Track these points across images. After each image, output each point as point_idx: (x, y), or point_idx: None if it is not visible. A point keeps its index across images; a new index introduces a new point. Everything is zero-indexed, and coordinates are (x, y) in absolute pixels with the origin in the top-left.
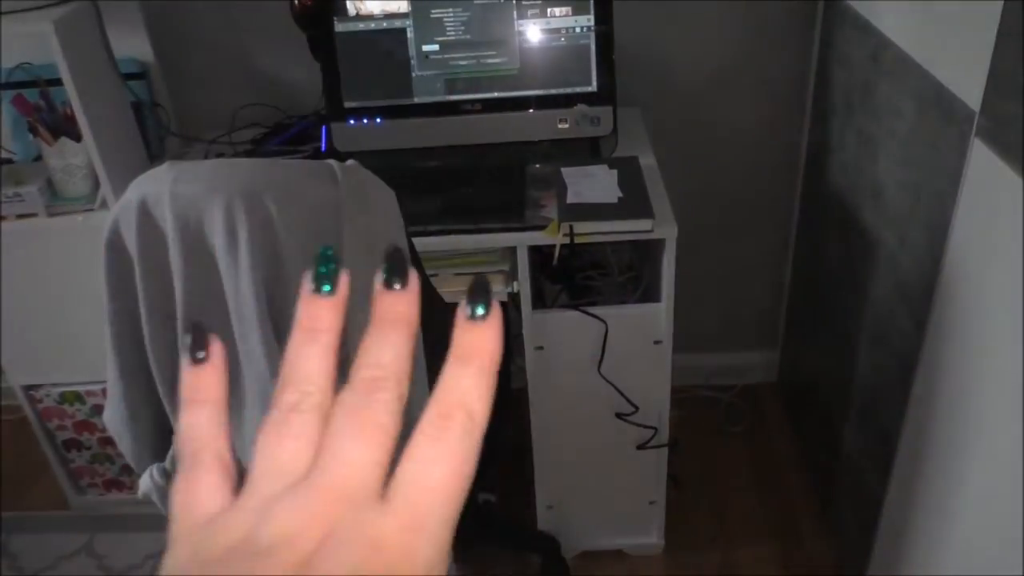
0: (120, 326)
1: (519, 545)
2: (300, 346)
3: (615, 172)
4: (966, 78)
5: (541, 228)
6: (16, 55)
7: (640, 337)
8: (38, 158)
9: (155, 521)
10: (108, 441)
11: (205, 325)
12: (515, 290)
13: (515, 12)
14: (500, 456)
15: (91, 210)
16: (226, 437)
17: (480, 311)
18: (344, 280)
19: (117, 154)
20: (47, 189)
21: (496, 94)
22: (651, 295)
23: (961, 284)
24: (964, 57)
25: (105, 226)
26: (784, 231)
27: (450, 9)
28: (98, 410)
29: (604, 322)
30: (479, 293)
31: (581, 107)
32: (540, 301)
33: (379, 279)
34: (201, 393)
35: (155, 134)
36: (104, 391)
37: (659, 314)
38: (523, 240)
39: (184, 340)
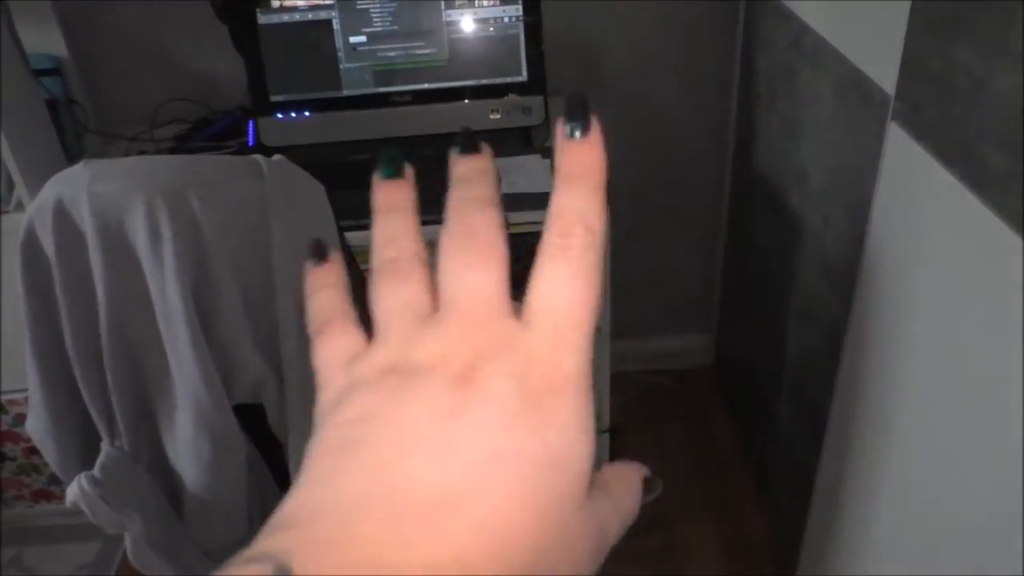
0: (39, 331)
1: None
2: (383, 220)
3: (548, 162)
4: (881, 63)
5: None
6: None
7: None
8: None
9: (86, 531)
10: (34, 451)
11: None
12: None
13: (443, 2)
14: None
15: (6, 212)
16: (352, 307)
17: (579, 130)
18: (409, 168)
19: (32, 153)
20: None
21: (426, 85)
22: None
23: (883, 261)
24: (878, 42)
25: (21, 228)
26: (716, 215)
27: None
28: (22, 420)
29: None
30: (576, 109)
31: (512, 97)
32: None
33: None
34: (320, 282)
35: (72, 132)
36: (28, 399)
37: None
38: None
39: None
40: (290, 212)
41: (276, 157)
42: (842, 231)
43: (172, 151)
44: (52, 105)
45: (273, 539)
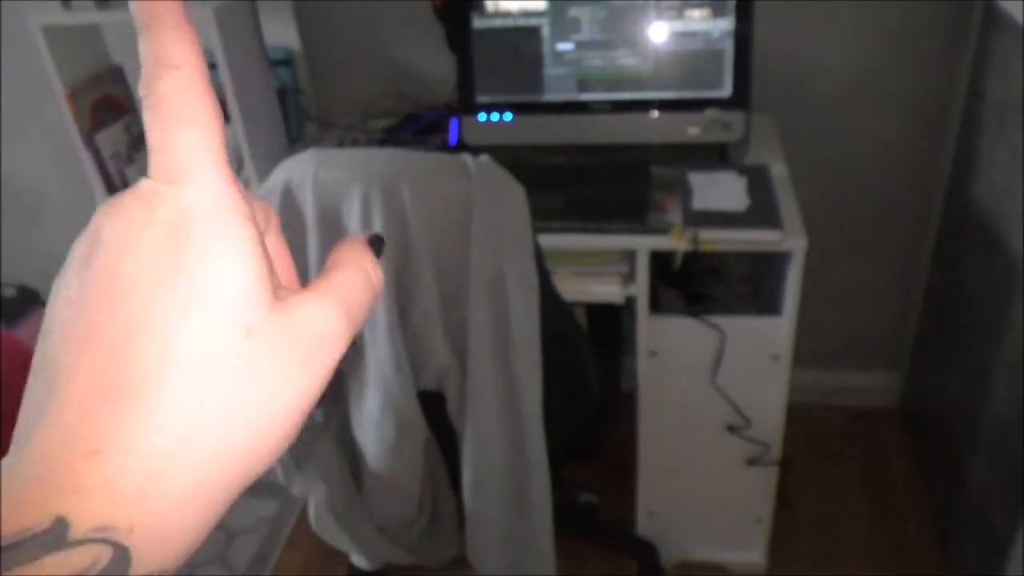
0: None
1: (617, 547)
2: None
3: (744, 179)
4: None
5: (664, 232)
6: None
7: (758, 350)
8: None
9: (270, 488)
10: None
11: None
12: (632, 293)
13: (653, 13)
14: (604, 458)
15: None
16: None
17: None
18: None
19: (261, 137)
20: None
21: (627, 95)
22: (771, 307)
23: None
24: None
25: None
26: (917, 249)
27: (588, 8)
28: None
29: (722, 332)
30: None
31: (712, 112)
32: (655, 305)
33: None
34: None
35: (295, 119)
36: None
37: (780, 328)
38: (644, 244)
39: None
40: (491, 212)
41: (482, 157)
42: None
43: (381, 143)
44: (281, 93)
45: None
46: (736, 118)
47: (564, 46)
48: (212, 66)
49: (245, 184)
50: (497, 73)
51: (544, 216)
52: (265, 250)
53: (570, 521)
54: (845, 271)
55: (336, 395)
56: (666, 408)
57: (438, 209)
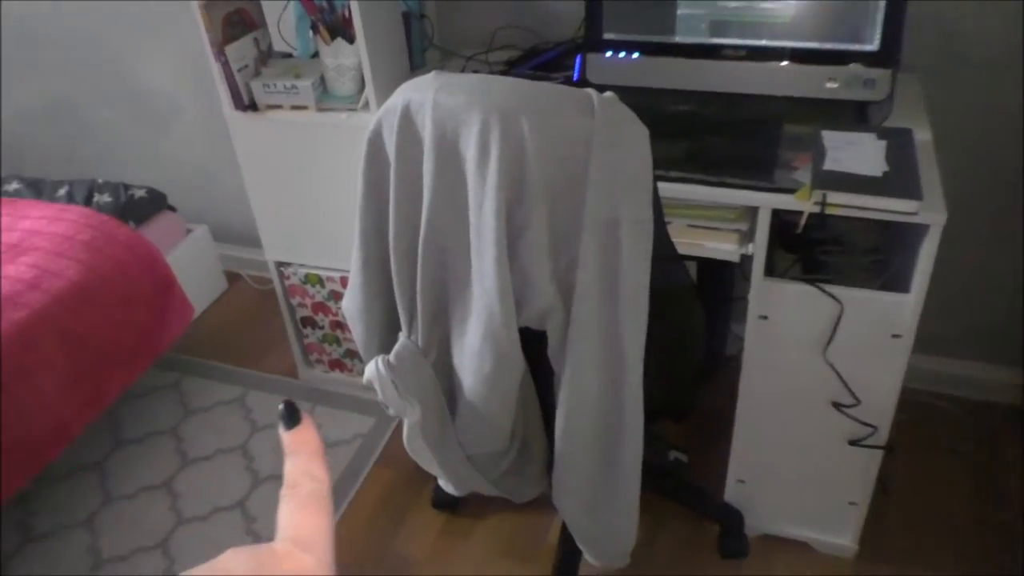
0: (368, 221)
1: (702, 509)
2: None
3: (883, 143)
4: None
5: (790, 192)
6: None
7: (878, 327)
8: (315, 55)
9: (367, 406)
10: (338, 325)
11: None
12: (749, 252)
13: None
14: (697, 418)
15: (354, 110)
16: None
17: (292, 425)
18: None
19: (383, 59)
20: (319, 85)
21: (763, 42)
22: (897, 284)
23: None
24: None
25: (369, 125)
26: None
27: None
28: (335, 295)
29: (840, 304)
30: (290, 418)
31: (856, 67)
32: (770, 268)
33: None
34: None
35: (418, 44)
36: (342, 279)
37: (904, 307)
38: (768, 202)
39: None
40: (612, 152)
41: (608, 94)
42: None
43: (503, 75)
44: (406, 18)
45: None
46: (881, 75)
47: None
48: None
49: (363, 105)
50: (627, 10)
51: (664, 164)
52: None
53: (657, 477)
54: (976, 253)
55: (438, 322)
56: (770, 375)
57: (557, 144)
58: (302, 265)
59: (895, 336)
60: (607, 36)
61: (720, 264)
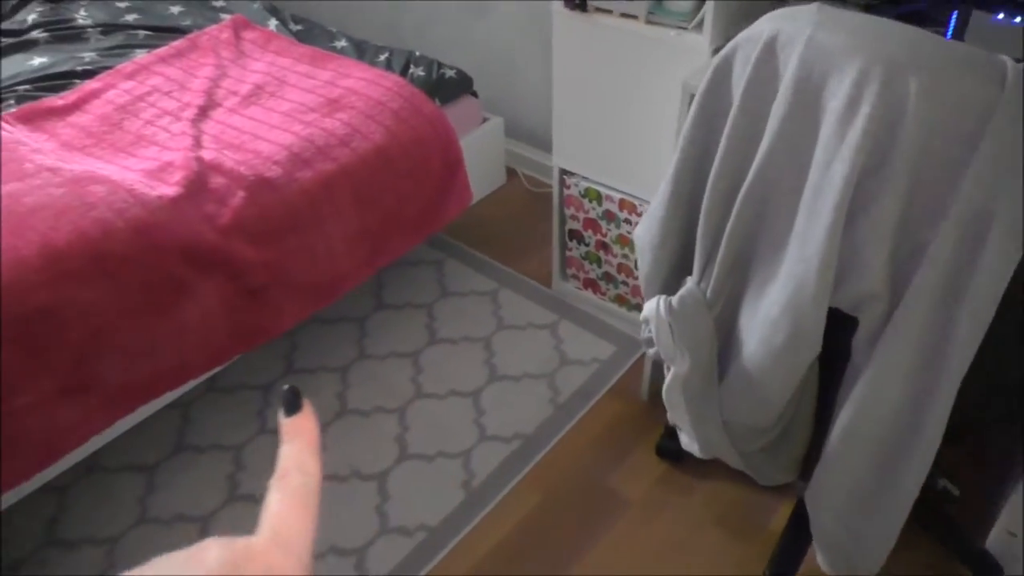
0: (689, 152)
1: (956, 550)
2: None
3: None
4: None
5: None
6: None
7: None
8: None
9: (611, 332)
10: (603, 246)
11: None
12: None
13: None
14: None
15: (684, 28)
16: None
17: (292, 412)
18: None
19: None
20: None
21: None
22: None
23: None
24: None
25: (722, 51)
26: None
27: None
28: (609, 215)
29: None
30: (291, 405)
31: None
32: None
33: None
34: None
35: None
36: (621, 201)
37: None
38: None
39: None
40: (1011, 134)
41: (1022, 66)
42: None
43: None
44: None
45: None
46: None
47: None
48: None
49: (696, 25)
50: None
51: None
52: None
53: (920, 504)
54: None
55: (734, 276)
56: None
57: (947, 113)
58: (585, 178)
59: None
60: None
61: None
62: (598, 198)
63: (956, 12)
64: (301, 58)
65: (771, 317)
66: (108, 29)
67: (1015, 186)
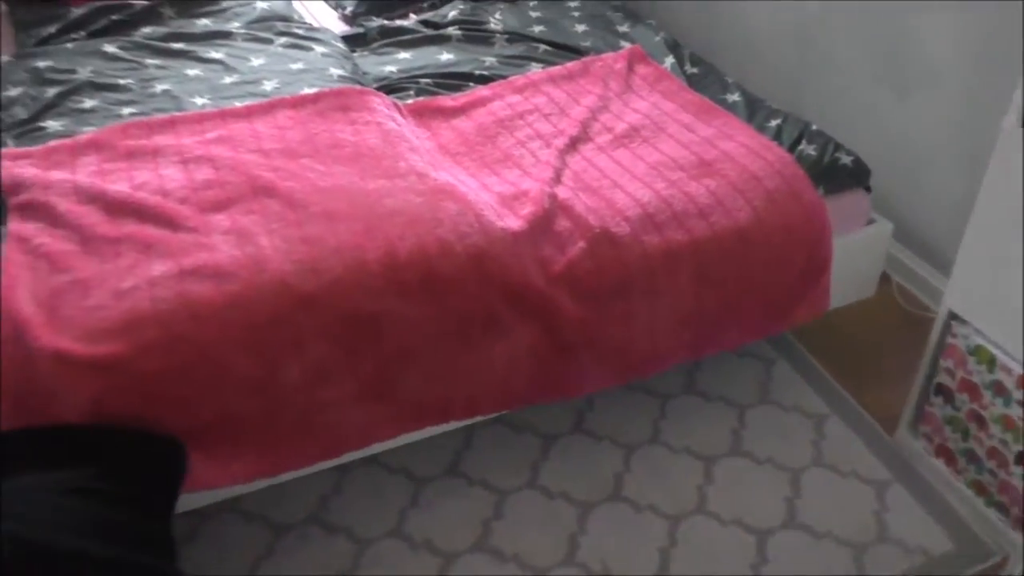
0: None
1: None
2: None
3: None
4: None
5: None
6: None
7: None
8: None
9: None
10: (979, 419)
11: None
12: None
13: None
14: None
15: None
16: None
17: None
18: None
19: None
20: None
21: None
22: None
23: None
24: None
25: None
26: None
27: None
28: (998, 388)
29: None
30: None
31: None
32: None
33: None
34: None
35: None
36: (1020, 379)
37: None
38: None
39: None
40: None
41: None
42: None
43: None
44: None
45: None
46: None
47: None
48: None
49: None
50: None
51: None
52: None
53: None
54: None
55: None
56: None
57: None
58: (979, 331)
59: None
60: None
61: None
62: (990, 362)
63: None
64: (687, 106)
65: None
66: (514, 38)
67: None
